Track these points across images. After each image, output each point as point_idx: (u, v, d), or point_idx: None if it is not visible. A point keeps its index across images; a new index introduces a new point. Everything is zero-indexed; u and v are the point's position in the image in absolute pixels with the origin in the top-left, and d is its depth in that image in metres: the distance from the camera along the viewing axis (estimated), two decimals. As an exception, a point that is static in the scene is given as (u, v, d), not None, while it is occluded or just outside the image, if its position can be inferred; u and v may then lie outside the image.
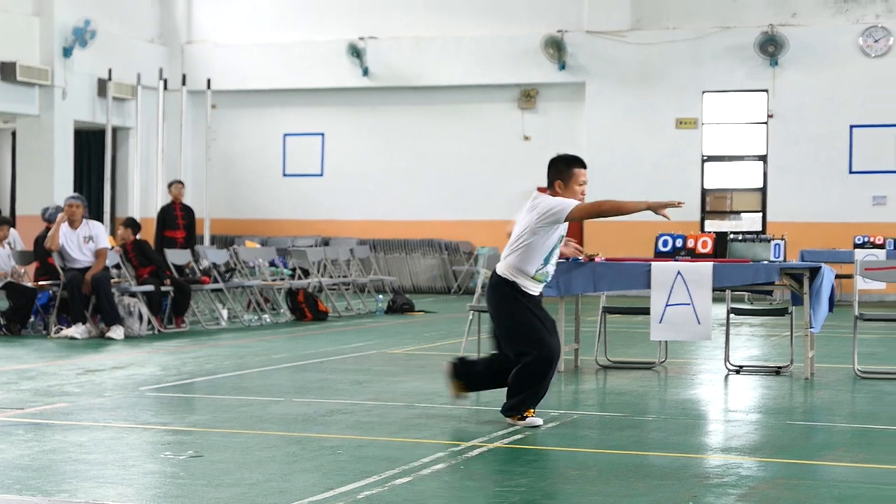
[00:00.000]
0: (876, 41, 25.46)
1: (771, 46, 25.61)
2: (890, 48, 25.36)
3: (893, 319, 14.22)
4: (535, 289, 8.88)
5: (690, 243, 12.35)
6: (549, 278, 9.03)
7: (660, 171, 26.36)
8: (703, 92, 26.52)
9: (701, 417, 9.93)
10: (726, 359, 12.62)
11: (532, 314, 8.82)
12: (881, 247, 22.38)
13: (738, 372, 12.52)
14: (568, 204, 8.70)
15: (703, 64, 26.32)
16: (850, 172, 25.54)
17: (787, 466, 7.72)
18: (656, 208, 8.66)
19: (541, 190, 9.16)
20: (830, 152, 25.63)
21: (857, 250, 21.72)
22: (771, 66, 25.81)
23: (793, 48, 25.64)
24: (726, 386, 11.76)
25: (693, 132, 26.58)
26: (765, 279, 11.96)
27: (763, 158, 26.35)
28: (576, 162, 9.06)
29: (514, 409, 8.85)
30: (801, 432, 9.11)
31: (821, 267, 11.68)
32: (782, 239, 12.43)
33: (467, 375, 9.25)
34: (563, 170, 9.02)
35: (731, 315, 13.00)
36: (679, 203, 8.87)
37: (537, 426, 8.80)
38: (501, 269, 8.89)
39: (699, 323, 11.60)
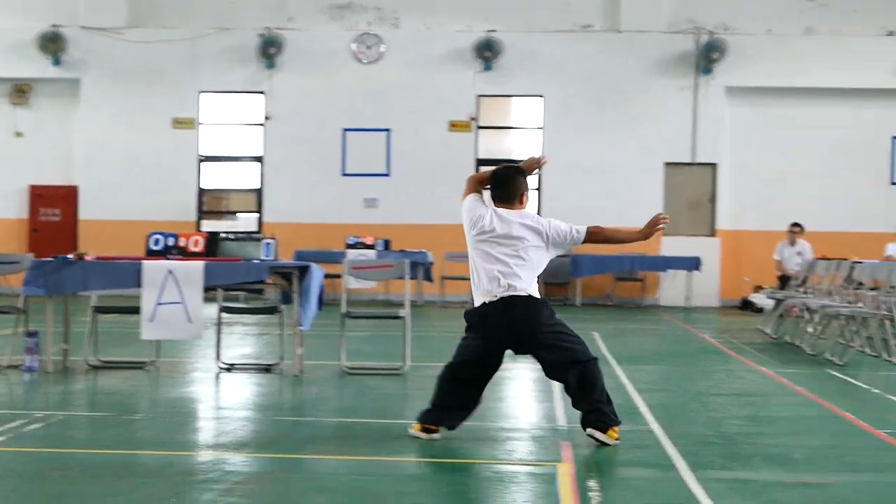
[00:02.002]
0: (368, 48, 26.35)
1: (272, 49, 25.96)
2: (381, 55, 26.31)
3: (378, 317, 14.76)
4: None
5: (182, 242, 12.36)
6: None
7: (157, 170, 26.23)
8: (201, 92, 26.56)
9: (191, 415, 9.94)
10: (218, 357, 12.73)
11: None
12: (371, 247, 23.20)
13: (229, 370, 12.64)
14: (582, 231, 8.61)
15: (201, 64, 26.36)
16: (343, 175, 26.30)
17: (273, 461, 7.86)
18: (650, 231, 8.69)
19: (502, 205, 8.63)
20: (325, 154, 26.30)
21: (348, 250, 22.41)
22: (268, 69, 26.19)
23: (289, 52, 26.13)
24: (217, 384, 11.83)
25: (190, 132, 26.56)
26: (255, 278, 12.15)
27: (260, 160, 26.69)
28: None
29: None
30: (288, 427, 9.30)
31: (309, 266, 11.98)
32: (273, 238, 12.64)
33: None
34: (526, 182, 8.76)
35: (223, 313, 13.10)
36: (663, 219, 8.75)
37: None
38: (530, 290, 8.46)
39: (190, 321, 11.63)
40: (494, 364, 8.59)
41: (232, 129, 26.94)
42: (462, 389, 8.56)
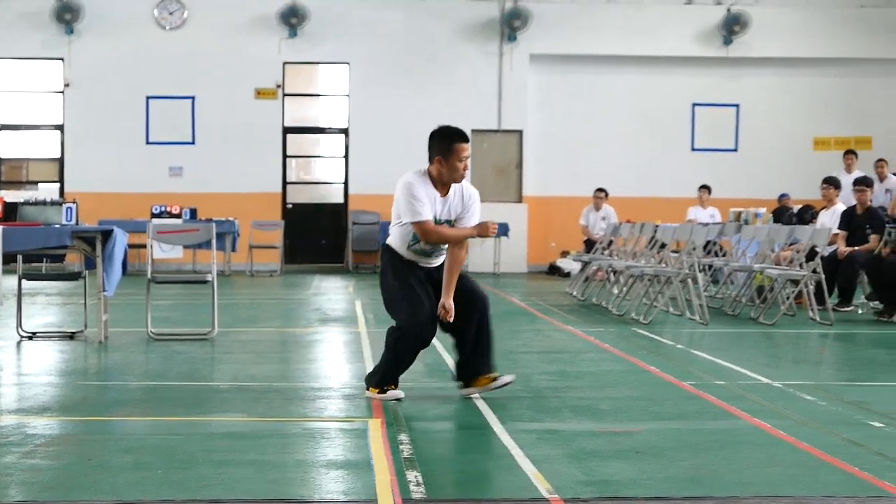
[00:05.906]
0: (171, 14, 25.86)
1: (68, 14, 25.28)
2: (185, 21, 25.84)
3: (185, 281, 14.55)
4: (413, 258, 8.50)
5: (-21, 207, 11.98)
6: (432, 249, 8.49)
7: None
8: (-3, 59, 25.82)
9: (-10, 383, 9.65)
10: (19, 325, 12.38)
11: (404, 281, 8.43)
12: (178, 216, 22.85)
13: (31, 338, 12.30)
14: (415, 217, 8.30)
15: (-3, 30, 25.58)
16: (148, 143, 25.80)
17: (77, 424, 7.67)
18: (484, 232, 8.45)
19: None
20: (128, 122, 25.75)
21: (154, 220, 22.01)
22: (67, 35, 25.51)
23: (88, 17, 25.47)
24: (19, 352, 11.49)
25: (-13, 100, 25.78)
26: (57, 242, 11.80)
27: (60, 128, 26.02)
28: (457, 136, 8.39)
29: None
30: (93, 392, 9.09)
31: (113, 230, 11.71)
32: (74, 203, 12.33)
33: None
34: (444, 145, 8.36)
35: (24, 281, 12.76)
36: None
37: (399, 399, 8.46)
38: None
39: (-11, 288, 11.27)
40: None
41: (30, 97, 26.18)
42: None
